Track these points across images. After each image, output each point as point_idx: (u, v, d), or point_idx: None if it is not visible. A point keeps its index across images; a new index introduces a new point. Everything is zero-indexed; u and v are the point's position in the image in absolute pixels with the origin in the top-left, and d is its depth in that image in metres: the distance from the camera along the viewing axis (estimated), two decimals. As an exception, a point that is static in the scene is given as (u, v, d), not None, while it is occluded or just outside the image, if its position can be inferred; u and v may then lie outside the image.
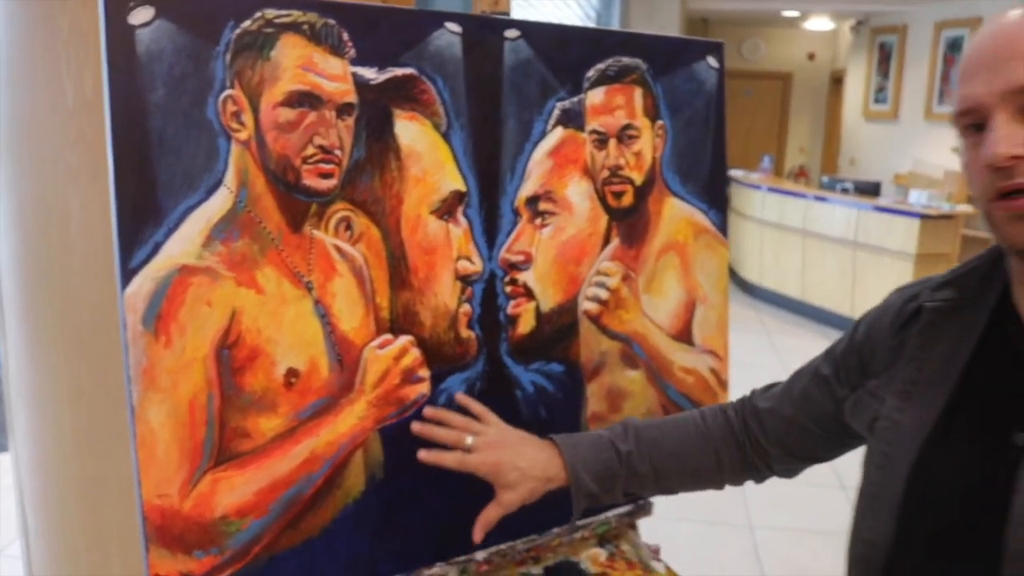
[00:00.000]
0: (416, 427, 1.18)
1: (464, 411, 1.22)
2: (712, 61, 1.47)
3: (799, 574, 3.16)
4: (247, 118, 1.05)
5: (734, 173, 8.84)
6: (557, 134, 1.29)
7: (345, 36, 1.11)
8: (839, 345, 1.17)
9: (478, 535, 1.15)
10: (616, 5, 7.94)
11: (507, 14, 1.36)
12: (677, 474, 1.24)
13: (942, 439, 0.97)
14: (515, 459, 1.16)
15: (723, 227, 1.50)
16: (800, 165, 11.22)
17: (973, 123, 0.89)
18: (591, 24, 7.83)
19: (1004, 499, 0.87)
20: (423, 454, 1.16)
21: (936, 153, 8.31)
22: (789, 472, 1.26)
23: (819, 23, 10.57)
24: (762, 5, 9.53)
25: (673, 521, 3.57)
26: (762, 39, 11.49)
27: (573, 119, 1.31)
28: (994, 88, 0.86)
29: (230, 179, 1.04)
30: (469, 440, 1.17)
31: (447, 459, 1.16)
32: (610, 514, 1.42)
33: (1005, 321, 0.97)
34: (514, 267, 1.27)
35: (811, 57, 11.60)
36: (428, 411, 1.20)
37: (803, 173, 10.74)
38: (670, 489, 1.26)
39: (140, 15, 0.98)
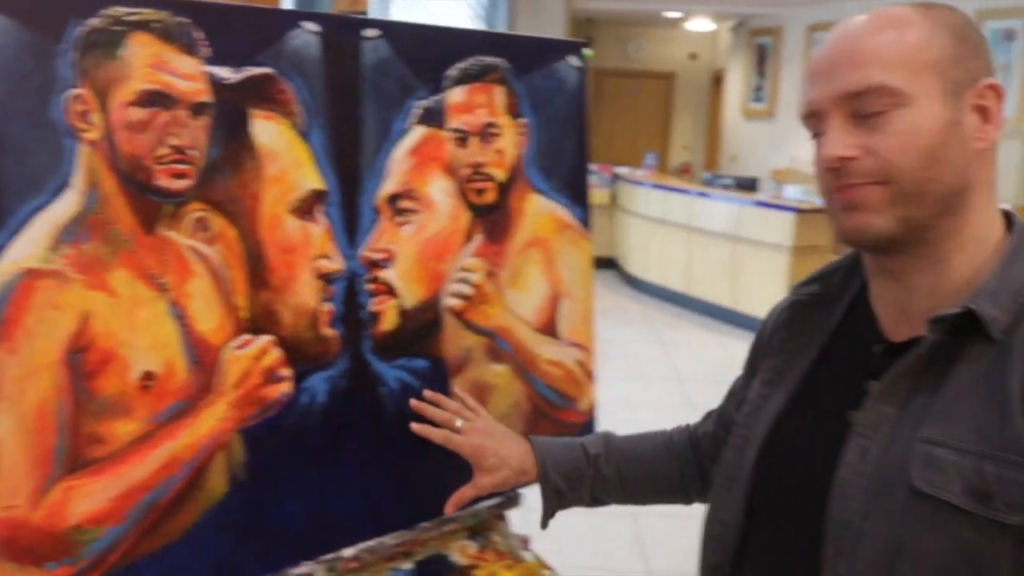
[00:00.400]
0: (415, 403, 1.32)
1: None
2: (573, 60, 1.51)
3: (684, 560, 3.26)
4: (96, 118, 1.03)
5: (619, 170, 9.02)
6: (418, 132, 1.31)
7: (199, 35, 1.10)
8: (749, 353, 1.23)
9: (449, 510, 1.31)
10: (502, 4, 8.00)
11: (365, 14, 1.37)
12: (642, 483, 1.32)
13: (789, 420, 1.03)
14: (497, 447, 1.29)
15: (586, 222, 1.54)
16: (684, 162, 11.51)
17: (817, 126, 0.95)
18: (480, 23, 7.88)
19: (832, 473, 0.93)
20: (415, 427, 1.29)
21: (809, 150, 8.64)
22: None
23: (700, 24, 10.86)
24: (645, 5, 9.73)
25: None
26: (646, 39, 11.74)
27: (434, 117, 1.32)
28: (829, 93, 0.91)
29: (78, 180, 1.02)
30: (459, 423, 1.31)
31: (435, 434, 1.30)
32: (480, 506, 1.45)
33: (858, 314, 1.03)
34: (376, 265, 1.28)
35: (693, 57, 11.91)
36: (428, 393, 1.34)
37: (687, 170, 11.03)
38: (637, 497, 1.34)
39: (-23, 11, 0.96)
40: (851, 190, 0.91)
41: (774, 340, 1.13)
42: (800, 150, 8.83)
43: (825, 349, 1.05)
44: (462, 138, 1.36)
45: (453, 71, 1.35)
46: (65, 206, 1.02)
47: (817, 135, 0.95)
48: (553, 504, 1.30)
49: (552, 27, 8.25)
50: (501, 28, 8.00)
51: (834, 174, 0.92)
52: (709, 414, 1.33)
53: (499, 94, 1.40)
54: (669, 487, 1.32)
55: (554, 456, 1.30)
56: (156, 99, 1.07)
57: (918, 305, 0.94)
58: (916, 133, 0.88)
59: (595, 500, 1.32)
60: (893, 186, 0.89)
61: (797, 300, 1.11)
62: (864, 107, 0.89)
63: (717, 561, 1.08)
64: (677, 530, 3.41)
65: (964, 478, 0.84)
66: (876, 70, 0.89)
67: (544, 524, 1.32)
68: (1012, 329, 0.88)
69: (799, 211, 6.46)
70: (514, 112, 1.43)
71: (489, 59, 1.39)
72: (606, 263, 9.02)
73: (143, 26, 1.06)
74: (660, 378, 5.74)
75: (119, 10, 1.04)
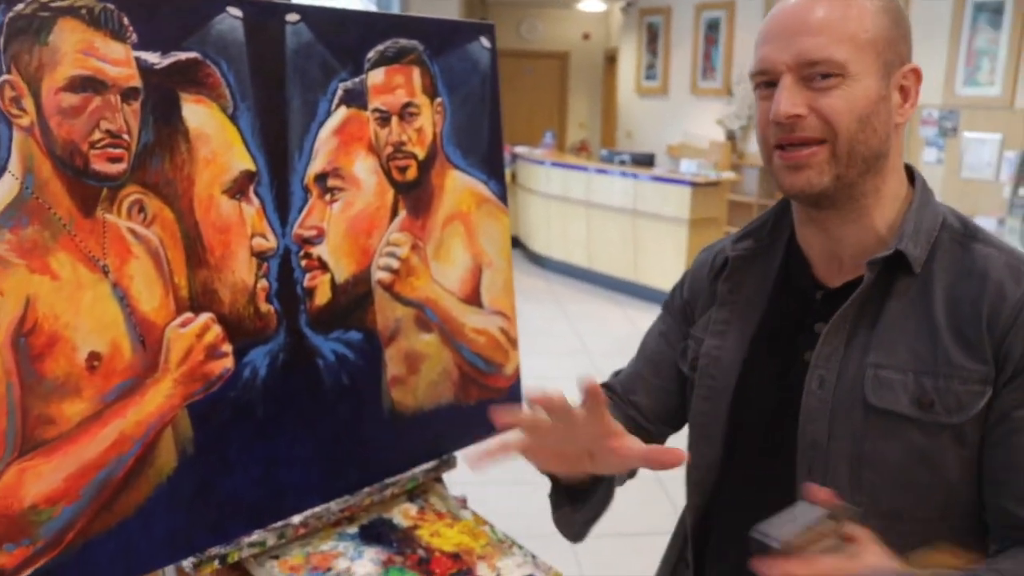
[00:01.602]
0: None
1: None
2: (485, 42, 1.57)
3: (608, 521, 3.38)
4: (28, 104, 1.05)
5: (519, 149, 9.10)
6: (341, 113, 1.35)
7: (126, 21, 1.12)
8: (672, 302, 1.32)
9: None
10: (396, -15, 7.98)
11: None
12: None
13: (754, 367, 1.16)
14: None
15: (503, 196, 1.61)
16: (581, 140, 11.68)
17: (765, 81, 1.05)
18: (371, 5, 7.83)
19: (799, 404, 1.07)
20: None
21: (702, 125, 8.91)
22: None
23: (592, 4, 11.02)
24: (536, -14, 9.84)
25: (481, 486, 3.70)
26: (539, 20, 11.84)
27: (356, 99, 1.37)
28: (785, 56, 1.01)
29: (14, 165, 1.04)
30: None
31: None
32: (417, 470, 1.51)
33: (792, 264, 1.17)
34: (307, 242, 1.32)
35: (586, 37, 12.07)
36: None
37: (584, 147, 11.20)
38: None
39: (-98, 1, 0.96)
40: (797, 153, 1.03)
41: (717, 291, 1.22)
42: (693, 125, 9.08)
43: (772, 298, 1.18)
44: (383, 118, 1.41)
45: (372, 54, 1.39)
46: (2, 192, 1.03)
47: (761, 89, 1.06)
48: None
49: (447, 8, 8.25)
50: (395, 8, 7.97)
51: (782, 128, 1.03)
52: (617, 374, 1.36)
53: (416, 75, 1.46)
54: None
55: None
56: (87, 84, 1.09)
57: (847, 252, 1.10)
58: (855, 100, 1.01)
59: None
60: (830, 146, 1.02)
61: (736, 255, 1.21)
62: (815, 73, 1.00)
63: (699, 502, 1.21)
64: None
65: (908, 392, 1.01)
66: (828, 43, 1.00)
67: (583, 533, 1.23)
68: (928, 262, 1.05)
69: (694, 184, 6.68)
70: (431, 92, 1.48)
71: (405, 41, 1.44)
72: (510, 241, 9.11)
73: (70, 12, 1.07)
74: (568, 351, 5.87)
75: (45, -3, 1.06)
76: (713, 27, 8.84)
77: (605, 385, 1.36)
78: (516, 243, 9.14)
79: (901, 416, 1.01)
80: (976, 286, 1.02)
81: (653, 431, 1.31)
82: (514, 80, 11.67)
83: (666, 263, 6.86)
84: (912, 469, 1.01)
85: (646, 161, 7.90)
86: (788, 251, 1.18)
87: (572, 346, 6.01)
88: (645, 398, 1.31)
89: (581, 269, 7.97)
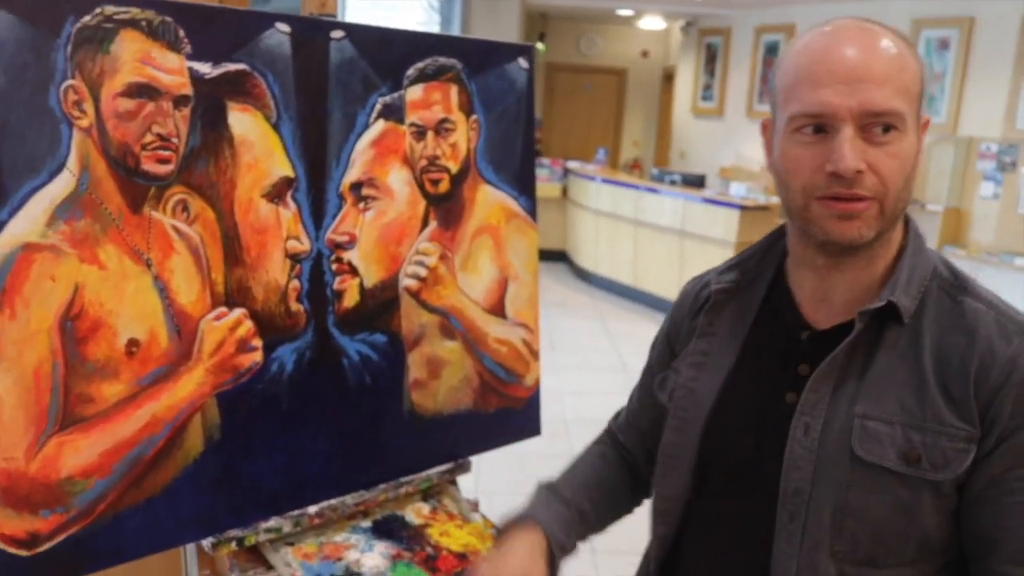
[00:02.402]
0: None
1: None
2: (523, 62, 1.64)
3: (627, 539, 3.41)
4: (88, 107, 1.14)
5: (571, 164, 9.16)
6: (379, 126, 1.43)
7: (181, 33, 1.21)
8: (657, 338, 1.33)
9: None
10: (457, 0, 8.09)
11: (333, 16, 1.48)
12: (609, 506, 1.32)
13: (728, 401, 1.15)
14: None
15: (532, 212, 1.67)
16: (634, 158, 11.70)
17: (815, 125, 0.98)
18: (435, 16, 7.96)
19: (780, 448, 1.06)
20: None
21: (756, 148, 8.87)
22: None
23: (652, 22, 11.05)
24: (598, 3, 9.88)
25: (509, 496, 3.76)
26: (599, 35, 11.90)
27: (394, 113, 1.45)
28: (850, 103, 0.95)
29: (72, 163, 1.13)
30: None
31: None
32: (432, 472, 1.58)
33: (777, 300, 1.15)
34: (339, 247, 1.40)
35: (645, 54, 12.10)
36: None
37: (637, 165, 11.23)
38: (606, 522, 1.32)
39: (-21, 7, 1.06)
40: (853, 203, 0.98)
41: (696, 324, 1.22)
42: (747, 148, 9.06)
43: (750, 335, 1.16)
44: (419, 132, 1.49)
45: (412, 70, 1.47)
46: (60, 186, 1.12)
47: (804, 134, 1.00)
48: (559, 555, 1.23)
49: (507, 21, 8.35)
50: (456, 22, 8.08)
51: (842, 182, 0.97)
52: (616, 415, 1.40)
53: (454, 92, 1.53)
54: (625, 497, 1.34)
55: (550, 523, 1.23)
56: (143, 91, 1.17)
57: (839, 296, 1.08)
58: (904, 158, 0.98)
59: (580, 541, 1.27)
60: (880, 202, 0.99)
61: (719, 288, 1.19)
62: (874, 125, 0.97)
63: (665, 532, 1.20)
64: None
65: (896, 446, 0.99)
66: (894, 93, 0.96)
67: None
68: (918, 313, 1.03)
69: (743, 208, 6.67)
70: (467, 109, 1.55)
71: (445, 60, 1.51)
72: (558, 256, 9.16)
73: (132, 24, 1.16)
74: (608, 368, 5.90)
75: (110, 8, 1.14)
76: (772, 50, 8.82)
77: (605, 430, 1.40)
78: (564, 258, 9.19)
79: (887, 471, 1.00)
80: (964, 343, 1.00)
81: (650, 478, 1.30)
82: (571, 95, 11.74)
83: (710, 285, 6.84)
84: (893, 520, 1.00)
85: (696, 182, 7.91)
86: (773, 285, 1.16)
87: (612, 363, 6.04)
88: (640, 447, 1.32)
89: (627, 287, 7.99)
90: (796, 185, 1.01)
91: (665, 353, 1.29)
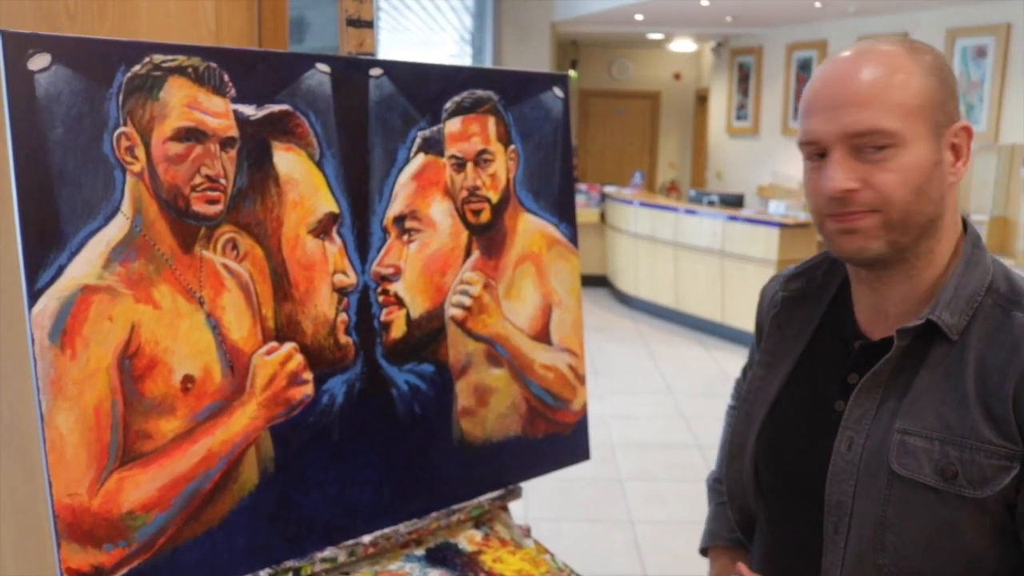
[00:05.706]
0: None
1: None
2: (557, 91, 1.67)
3: (678, 564, 3.39)
4: (139, 152, 1.17)
5: (608, 189, 9.19)
6: (419, 160, 1.46)
7: (226, 77, 1.25)
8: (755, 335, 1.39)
9: None
10: (489, 28, 8.19)
11: (372, 55, 1.52)
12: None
13: (783, 403, 1.20)
14: None
15: (574, 239, 1.69)
16: (671, 180, 11.70)
17: (816, 152, 1.05)
18: (467, 48, 8.05)
19: (825, 458, 1.09)
20: None
21: (793, 166, 8.85)
22: None
23: (683, 45, 11.09)
24: (628, 28, 9.95)
25: (556, 522, 3.76)
26: (630, 60, 11.96)
27: (433, 146, 1.47)
28: (834, 130, 1.01)
29: (126, 207, 1.17)
30: None
31: None
32: (483, 498, 1.59)
33: (839, 310, 1.19)
34: (385, 279, 1.42)
35: (677, 77, 12.13)
36: None
37: (674, 187, 11.23)
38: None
39: (38, 61, 1.10)
40: (849, 218, 1.03)
41: (768, 324, 1.29)
42: (783, 165, 9.02)
43: (812, 340, 1.21)
44: (459, 164, 1.51)
45: (450, 104, 1.50)
46: (115, 230, 1.16)
47: (812, 160, 1.07)
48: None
49: (538, 50, 8.43)
50: (488, 53, 8.17)
51: (834, 203, 1.03)
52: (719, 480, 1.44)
53: (491, 124, 1.56)
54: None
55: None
56: (191, 134, 1.21)
57: (892, 309, 1.10)
58: (908, 171, 1.00)
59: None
60: (884, 215, 1.01)
61: (786, 295, 1.26)
62: (864, 145, 1.00)
63: (739, 517, 1.28)
64: (671, 535, 3.54)
65: (932, 461, 1.00)
66: (877, 113, 0.99)
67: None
68: (967, 330, 1.03)
69: (783, 226, 6.64)
70: (505, 140, 1.58)
71: (481, 92, 1.54)
72: (598, 281, 9.17)
73: (179, 71, 1.20)
74: (652, 391, 5.88)
75: (158, 57, 1.19)
76: (804, 67, 8.81)
77: (714, 491, 1.47)
78: (604, 283, 9.19)
79: (924, 486, 1.00)
80: (1006, 358, 1.00)
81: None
82: (605, 120, 11.79)
83: (753, 305, 6.77)
84: (934, 537, 1.00)
85: (734, 202, 7.89)
86: (837, 295, 1.21)
87: (656, 386, 6.02)
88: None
89: (668, 309, 7.97)
90: (811, 206, 1.09)
91: (756, 347, 1.36)
